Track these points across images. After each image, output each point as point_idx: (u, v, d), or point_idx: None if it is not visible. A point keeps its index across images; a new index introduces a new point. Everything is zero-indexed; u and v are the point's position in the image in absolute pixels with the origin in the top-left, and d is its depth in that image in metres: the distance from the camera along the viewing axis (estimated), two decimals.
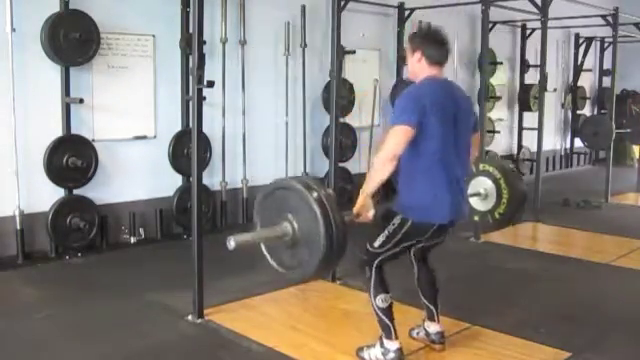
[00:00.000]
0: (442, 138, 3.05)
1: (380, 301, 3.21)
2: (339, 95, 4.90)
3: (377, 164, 3.03)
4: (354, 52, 7.00)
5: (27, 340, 3.64)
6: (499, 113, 9.63)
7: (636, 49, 9.91)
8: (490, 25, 6.78)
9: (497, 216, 4.07)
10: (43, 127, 5.15)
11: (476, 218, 4.20)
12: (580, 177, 10.65)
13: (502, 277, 5.00)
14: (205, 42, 4.43)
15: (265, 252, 3.08)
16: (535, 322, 3.96)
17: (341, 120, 6.49)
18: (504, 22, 9.02)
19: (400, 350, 3.25)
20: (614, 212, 7.76)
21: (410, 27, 8.00)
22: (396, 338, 3.24)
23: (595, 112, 11.86)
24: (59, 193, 5.24)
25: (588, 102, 11.75)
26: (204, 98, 3.87)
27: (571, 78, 11.21)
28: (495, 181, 4.00)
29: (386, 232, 3.17)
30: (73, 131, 5.27)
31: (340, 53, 5.26)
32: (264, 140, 6.70)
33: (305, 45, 6.84)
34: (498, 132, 9.40)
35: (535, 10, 6.85)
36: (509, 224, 4.14)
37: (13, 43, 4.91)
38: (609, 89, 8.87)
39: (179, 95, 5.99)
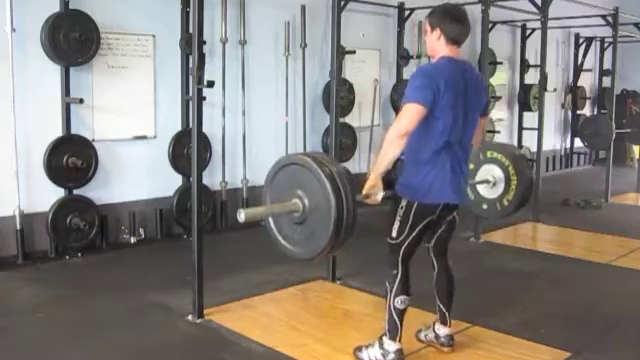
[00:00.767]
0: (452, 119, 3.04)
1: (399, 302, 3.19)
2: (339, 95, 4.89)
3: (387, 141, 2.98)
4: (354, 52, 7.01)
5: (27, 340, 3.64)
6: (499, 113, 9.64)
7: (636, 49, 9.91)
8: (490, 25, 6.77)
9: (506, 203, 4.06)
10: (43, 127, 5.15)
11: (485, 206, 4.18)
12: (580, 177, 10.65)
13: (502, 277, 5.00)
14: (205, 42, 4.43)
15: (273, 228, 3.01)
16: (535, 322, 3.96)
17: (341, 120, 6.49)
18: (504, 22, 9.03)
19: (400, 351, 3.24)
20: (614, 212, 7.76)
21: (410, 27, 8.02)
22: (399, 341, 3.23)
23: (595, 112, 11.86)
24: (59, 193, 5.24)
25: (588, 102, 11.75)
26: (204, 98, 3.87)
27: (571, 78, 11.21)
28: (503, 168, 3.98)
29: (398, 219, 3.16)
30: (73, 131, 5.27)
31: (340, 53, 5.26)
32: (264, 140, 6.70)
33: (305, 45, 6.84)
34: (498, 132, 9.40)
35: (535, 10, 6.86)
36: (516, 210, 4.13)
37: (13, 43, 4.91)
38: (609, 89, 8.88)
39: (179, 95, 5.99)
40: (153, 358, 3.48)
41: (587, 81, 11.60)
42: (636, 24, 8.59)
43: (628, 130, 10.12)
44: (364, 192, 3.03)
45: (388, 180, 3.13)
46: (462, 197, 3.27)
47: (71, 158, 5.19)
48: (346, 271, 4.74)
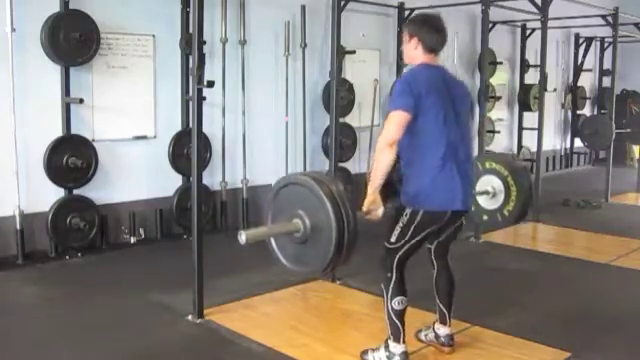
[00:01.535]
0: (443, 119, 3.04)
1: (397, 303, 3.18)
2: (339, 95, 4.90)
3: (378, 151, 3.01)
4: (354, 52, 7.02)
5: (27, 340, 3.64)
6: (499, 113, 9.64)
7: (636, 49, 9.91)
8: (490, 25, 6.77)
9: (506, 214, 4.06)
10: (43, 127, 5.15)
11: (485, 217, 4.18)
12: (580, 177, 10.65)
13: (502, 277, 5.00)
14: (205, 42, 4.43)
15: (275, 248, 3.05)
16: (535, 322, 3.96)
17: (341, 120, 6.50)
18: (504, 22, 9.03)
19: (405, 353, 3.23)
20: (614, 212, 7.77)
21: None
22: (404, 342, 3.22)
23: (595, 112, 11.86)
24: (59, 193, 5.25)
25: (588, 102, 11.75)
26: (204, 98, 3.87)
27: (571, 78, 11.21)
28: (502, 179, 3.98)
29: (400, 225, 3.14)
30: (73, 131, 5.27)
31: (340, 53, 5.27)
32: (264, 140, 6.70)
33: (305, 45, 6.84)
34: (498, 132, 9.40)
35: (535, 10, 6.85)
36: (517, 222, 4.13)
37: (13, 43, 4.91)
38: (609, 89, 8.87)
39: (179, 95, 5.99)
40: (153, 358, 3.48)
41: (587, 81, 11.60)
42: (636, 24, 8.59)
43: (628, 130, 10.13)
44: (364, 209, 3.05)
45: (392, 190, 3.13)
46: (470, 203, 3.26)
47: (71, 158, 5.19)
48: (346, 271, 4.72)
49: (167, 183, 5.94)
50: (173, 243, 5.79)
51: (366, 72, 7.62)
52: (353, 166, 7.40)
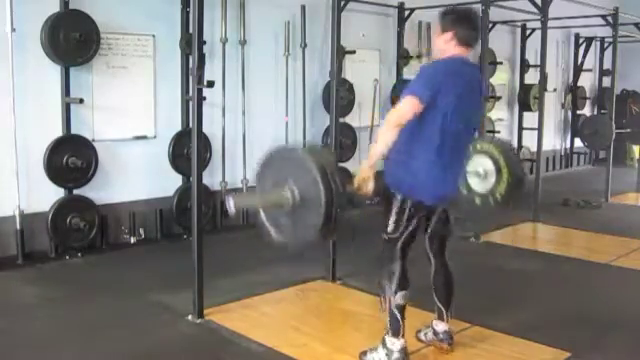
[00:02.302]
0: (450, 116, 3.04)
1: (400, 298, 3.18)
2: (339, 95, 4.89)
3: (383, 129, 3.02)
4: (354, 52, 7.02)
5: (27, 340, 3.64)
6: (499, 113, 9.63)
7: (636, 49, 9.91)
8: (490, 25, 6.78)
9: (498, 196, 4.04)
10: (43, 127, 5.15)
11: (477, 201, 4.17)
12: (580, 177, 10.65)
13: (502, 277, 5.00)
14: (205, 42, 4.42)
15: (263, 217, 2.99)
16: (535, 322, 3.96)
17: (341, 120, 6.49)
18: (504, 22, 9.03)
19: (404, 350, 3.23)
20: (614, 212, 7.77)
21: (410, 27, 8.02)
22: (402, 336, 3.22)
23: (595, 112, 11.86)
24: (59, 193, 5.24)
25: (588, 102, 11.75)
26: (204, 98, 3.87)
27: (571, 78, 11.21)
28: (494, 160, 3.96)
29: (393, 214, 3.15)
30: (73, 131, 5.27)
31: (340, 53, 5.27)
32: (264, 140, 6.67)
33: (305, 45, 6.84)
34: (498, 132, 9.39)
35: (535, 10, 6.85)
36: (510, 205, 4.11)
37: (13, 43, 4.90)
38: (609, 89, 8.87)
39: (179, 95, 5.99)
40: (153, 358, 3.48)
41: (587, 81, 11.60)
42: (636, 24, 8.59)
43: (628, 130, 10.13)
44: (356, 183, 3.05)
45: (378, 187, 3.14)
46: (455, 191, 3.29)
47: (71, 158, 5.19)
48: (346, 271, 4.74)
49: (167, 183, 5.94)
50: (173, 243, 5.79)
51: (366, 72, 7.62)
52: (353, 166, 7.39)
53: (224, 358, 3.48)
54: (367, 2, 7.24)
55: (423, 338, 3.56)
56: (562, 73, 11.09)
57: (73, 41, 5.07)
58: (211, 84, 3.84)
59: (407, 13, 7.87)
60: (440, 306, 3.45)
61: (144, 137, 5.83)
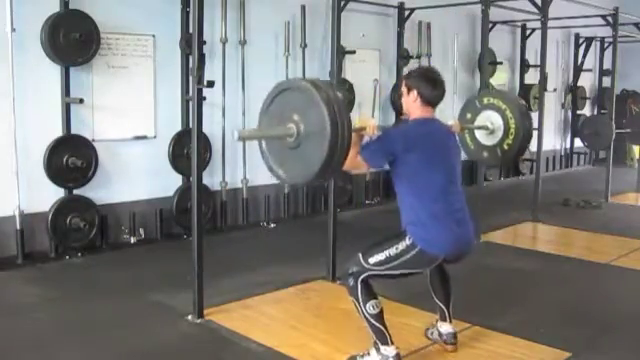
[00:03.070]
0: (441, 172, 3.13)
1: (371, 307, 3.12)
2: None
3: (348, 167, 3.11)
4: (354, 52, 7.02)
5: (27, 340, 3.64)
6: None
7: (636, 49, 9.92)
8: (490, 25, 6.77)
9: (506, 147, 4.06)
10: (43, 127, 5.15)
11: (485, 154, 4.17)
12: (580, 177, 10.65)
13: (502, 277, 5.00)
14: (205, 42, 4.43)
15: (266, 151, 2.97)
16: (535, 322, 3.96)
17: None
18: (504, 22, 9.03)
19: (398, 355, 3.17)
20: (614, 212, 7.76)
21: (410, 27, 8.03)
22: (392, 343, 3.16)
23: (595, 112, 11.86)
24: (59, 193, 5.24)
25: (588, 102, 11.75)
26: (204, 98, 3.87)
27: (571, 78, 11.21)
28: (501, 113, 3.95)
29: (387, 253, 3.10)
30: (73, 131, 5.27)
31: (340, 53, 5.27)
32: None
33: (305, 45, 6.84)
34: None
35: (535, 10, 6.85)
36: (518, 155, 4.12)
37: (13, 43, 4.90)
38: (609, 89, 8.87)
39: (179, 95, 5.99)
40: (153, 358, 3.48)
41: (587, 81, 11.60)
42: (636, 24, 8.59)
43: (628, 130, 10.10)
44: (359, 124, 3.19)
45: None
46: (471, 247, 3.27)
47: (71, 158, 5.19)
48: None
49: (167, 183, 5.94)
50: (173, 243, 5.79)
51: (366, 72, 7.63)
52: None
53: (224, 358, 3.48)
54: (367, 2, 7.25)
55: (430, 336, 3.58)
56: (562, 73, 11.09)
57: (73, 41, 5.07)
58: (211, 84, 3.85)
59: (407, 13, 7.88)
60: (441, 305, 3.46)
61: (144, 137, 5.83)
